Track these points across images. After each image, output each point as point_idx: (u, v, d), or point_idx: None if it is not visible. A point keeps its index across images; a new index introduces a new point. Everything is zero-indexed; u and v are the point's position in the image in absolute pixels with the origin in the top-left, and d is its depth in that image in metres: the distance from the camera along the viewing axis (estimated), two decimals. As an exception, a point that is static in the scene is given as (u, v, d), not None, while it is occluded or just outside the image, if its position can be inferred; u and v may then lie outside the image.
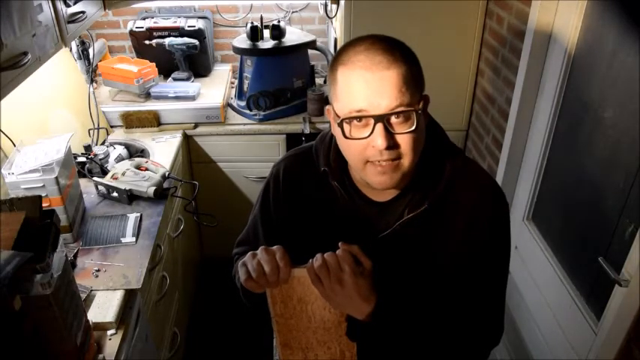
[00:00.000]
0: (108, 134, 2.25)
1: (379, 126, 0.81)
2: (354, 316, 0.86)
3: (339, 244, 0.85)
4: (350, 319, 0.88)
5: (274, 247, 0.84)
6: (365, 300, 0.83)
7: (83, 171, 1.83)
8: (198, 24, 2.47)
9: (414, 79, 0.82)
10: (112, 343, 1.22)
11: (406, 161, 0.85)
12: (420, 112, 0.83)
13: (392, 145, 0.82)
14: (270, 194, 1.06)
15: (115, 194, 1.72)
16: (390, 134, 0.82)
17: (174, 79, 2.51)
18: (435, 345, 0.92)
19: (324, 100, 2.30)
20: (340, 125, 0.85)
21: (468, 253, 0.93)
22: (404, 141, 0.83)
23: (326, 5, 2.35)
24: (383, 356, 0.97)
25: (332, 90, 0.87)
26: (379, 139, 0.81)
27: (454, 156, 0.95)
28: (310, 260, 0.84)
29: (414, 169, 0.89)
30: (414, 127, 0.82)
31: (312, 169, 1.00)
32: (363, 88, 0.81)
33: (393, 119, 0.82)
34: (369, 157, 0.84)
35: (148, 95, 2.35)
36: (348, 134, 0.84)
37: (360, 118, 0.82)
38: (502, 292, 0.98)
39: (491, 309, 0.98)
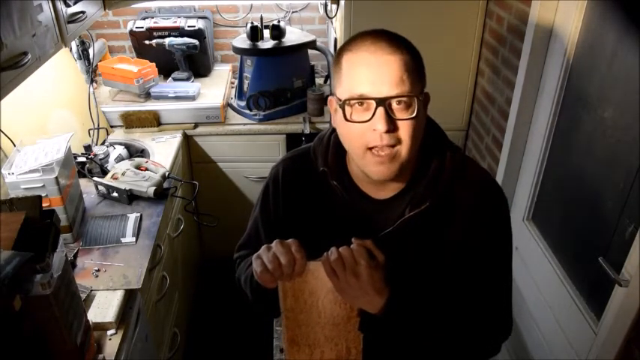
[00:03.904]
0: (108, 134, 2.26)
1: (380, 110, 0.82)
2: (366, 310, 0.87)
3: (353, 239, 0.85)
4: (363, 313, 0.89)
5: (289, 240, 0.85)
6: (378, 293, 0.85)
7: (83, 171, 1.83)
8: (198, 24, 2.47)
9: (416, 70, 0.84)
10: (112, 343, 1.22)
11: (404, 150, 0.85)
12: (420, 98, 0.84)
13: (392, 129, 0.83)
14: (270, 197, 1.06)
15: (115, 194, 1.73)
16: (390, 119, 0.82)
17: (174, 79, 2.51)
18: (445, 338, 0.93)
19: (324, 100, 2.30)
20: (342, 107, 0.85)
21: (469, 250, 0.93)
22: (403, 128, 0.84)
23: (326, 5, 2.35)
24: (388, 353, 0.97)
25: (335, 76, 0.89)
26: (380, 123, 0.82)
27: (454, 154, 0.95)
28: (325, 254, 0.85)
29: (412, 164, 0.90)
30: (414, 114, 0.83)
31: (311, 170, 1.00)
32: (365, 72, 0.82)
33: (394, 105, 0.83)
34: (369, 143, 0.85)
35: (148, 95, 2.35)
36: (349, 117, 0.85)
37: (361, 102, 0.83)
38: (508, 286, 0.99)
39: (499, 303, 0.98)
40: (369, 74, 0.82)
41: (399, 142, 0.84)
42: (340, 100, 0.86)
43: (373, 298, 0.85)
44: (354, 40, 0.86)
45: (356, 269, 0.83)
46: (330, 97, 0.93)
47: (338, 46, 2.16)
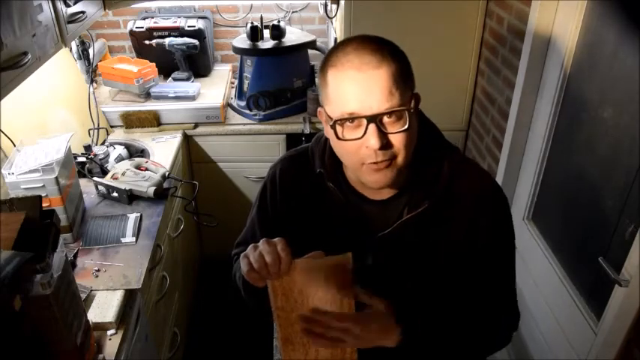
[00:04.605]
0: (108, 134, 2.26)
1: (372, 126, 0.81)
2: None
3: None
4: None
5: (276, 239, 0.84)
6: (387, 334, 0.86)
7: (83, 171, 1.83)
8: (198, 24, 2.47)
9: (403, 78, 0.83)
10: (112, 343, 1.22)
11: (400, 159, 0.85)
12: (412, 110, 0.83)
13: (385, 144, 0.82)
14: (267, 197, 1.06)
15: (115, 194, 1.73)
16: (382, 134, 0.82)
17: (174, 79, 2.51)
18: (459, 338, 0.94)
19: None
20: (333, 127, 0.85)
21: (471, 249, 0.93)
22: (397, 140, 0.83)
23: (326, 5, 2.35)
24: (384, 350, 0.98)
25: (323, 92, 0.88)
26: (372, 140, 0.81)
27: (451, 154, 0.95)
28: (312, 253, 0.85)
29: (408, 168, 0.90)
30: (406, 127, 0.82)
31: (308, 171, 1.00)
32: (353, 89, 0.81)
33: (386, 119, 0.82)
34: (364, 159, 0.84)
35: (148, 95, 2.35)
36: (341, 136, 0.85)
37: (352, 120, 0.83)
38: (512, 279, 0.99)
39: (505, 297, 0.99)
40: (357, 92, 0.81)
41: (394, 154, 0.84)
42: (331, 119, 0.85)
43: (385, 341, 0.86)
44: (336, 54, 0.84)
45: (354, 333, 0.84)
46: (319, 109, 0.92)
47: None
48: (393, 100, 0.81)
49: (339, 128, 0.85)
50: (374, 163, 0.84)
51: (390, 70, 0.81)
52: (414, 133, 0.87)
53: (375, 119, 0.81)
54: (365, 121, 0.81)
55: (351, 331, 0.84)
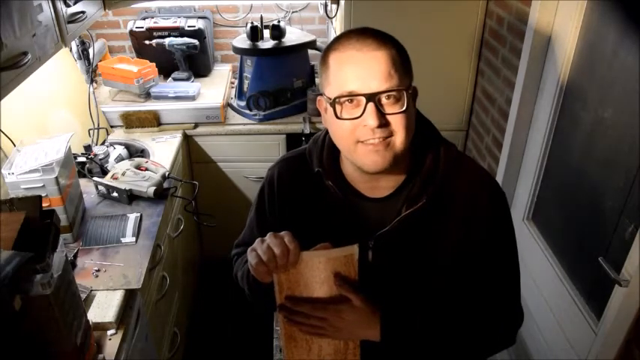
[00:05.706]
0: (108, 134, 2.26)
1: (370, 105, 0.82)
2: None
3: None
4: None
5: (282, 232, 0.85)
6: (368, 328, 0.89)
7: (83, 171, 1.83)
8: (198, 24, 2.47)
9: (403, 64, 0.85)
10: (112, 343, 1.22)
11: (397, 140, 0.85)
12: (410, 92, 0.85)
13: (383, 123, 0.83)
14: (266, 198, 1.06)
15: (115, 194, 1.73)
16: (381, 114, 0.83)
17: (174, 79, 2.51)
18: (456, 337, 0.94)
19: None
20: (332, 106, 0.86)
21: (471, 244, 0.93)
22: (395, 120, 0.84)
23: (326, 5, 2.35)
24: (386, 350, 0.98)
25: (323, 76, 0.89)
26: (371, 119, 0.82)
27: (447, 150, 0.95)
28: (320, 244, 0.87)
29: (406, 161, 0.90)
30: (404, 108, 0.84)
31: (307, 171, 1.00)
32: (354, 69, 0.83)
33: (384, 100, 0.83)
34: (361, 137, 0.85)
35: (148, 95, 2.35)
36: (339, 114, 0.86)
37: (351, 99, 0.84)
38: (515, 275, 0.99)
39: (507, 294, 0.99)
40: (358, 71, 0.83)
41: (391, 134, 0.85)
42: (330, 99, 0.86)
43: (366, 334, 0.90)
44: (339, 39, 0.87)
45: (333, 324, 0.88)
46: (319, 97, 0.93)
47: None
48: (391, 81, 0.82)
49: (337, 107, 0.85)
50: (371, 143, 0.84)
51: (390, 53, 0.83)
52: (412, 119, 0.87)
53: (373, 98, 0.82)
54: (364, 101, 0.82)
55: (329, 321, 0.88)
